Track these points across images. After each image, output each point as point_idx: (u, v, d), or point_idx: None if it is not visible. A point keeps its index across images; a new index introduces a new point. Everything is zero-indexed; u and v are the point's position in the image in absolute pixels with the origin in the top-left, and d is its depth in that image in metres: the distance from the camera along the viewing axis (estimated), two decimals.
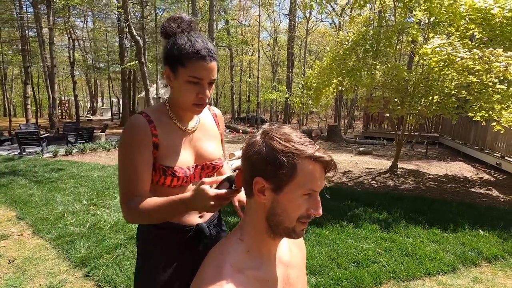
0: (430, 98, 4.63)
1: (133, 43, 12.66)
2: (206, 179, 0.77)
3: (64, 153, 7.81)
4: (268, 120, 27.62)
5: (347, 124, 21.96)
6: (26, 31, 15.31)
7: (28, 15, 14.88)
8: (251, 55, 30.81)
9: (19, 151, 7.82)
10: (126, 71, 18.89)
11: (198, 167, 0.98)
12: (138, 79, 22.24)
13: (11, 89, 23.58)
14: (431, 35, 5.12)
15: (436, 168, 6.95)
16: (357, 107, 21.96)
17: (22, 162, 6.56)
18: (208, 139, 1.03)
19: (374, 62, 5.01)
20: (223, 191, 0.75)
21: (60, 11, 13.87)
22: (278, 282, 0.67)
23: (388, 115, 5.11)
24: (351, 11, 13.21)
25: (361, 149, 9.22)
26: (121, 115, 20.08)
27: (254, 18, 26.68)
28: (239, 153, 6.87)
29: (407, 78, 4.48)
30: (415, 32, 5.05)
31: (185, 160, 0.95)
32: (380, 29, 4.94)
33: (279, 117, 30.69)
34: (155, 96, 13.31)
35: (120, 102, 21.50)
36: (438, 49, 3.94)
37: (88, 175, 5.42)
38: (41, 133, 9.42)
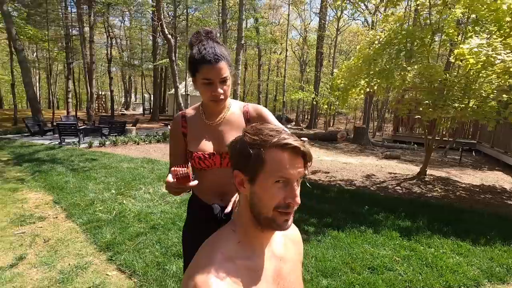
0: (466, 102, 4.35)
1: (165, 41, 13.14)
2: (172, 168, 0.97)
3: (98, 144, 8.33)
4: (294, 120, 27.38)
5: (376, 126, 21.18)
6: (70, 30, 16.45)
7: (72, 15, 15.98)
8: (280, 54, 30.64)
9: (59, 141, 8.47)
10: (158, 68, 19.69)
11: (216, 154, 1.14)
12: (169, 76, 23.08)
13: (55, 84, 25.52)
14: (469, 34, 4.81)
15: (470, 177, 6.52)
16: (388, 110, 21.06)
17: (61, 151, 7.10)
18: (232, 132, 1.16)
19: (407, 63, 4.80)
20: (171, 180, 0.97)
21: (100, 11, 14.72)
22: (269, 273, 0.69)
23: (418, 117, 4.87)
24: (385, 10, 12.71)
25: (388, 152, 8.88)
26: (151, 110, 20.94)
27: (284, 17, 26.52)
28: None
29: (444, 78, 4.23)
30: (451, 31, 4.77)
31: (204, 147, 1.15)
32: (414, 28, 4.71)
33: (306, 117, 30.25)
34: (184, 93, 13.73)
35: (152, 98, 22.43)
36: (475, 49, 3.70)
37: (118, 166, 5.76)
38: (79, 125, 10.12)
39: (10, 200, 3.89)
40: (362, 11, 17.91)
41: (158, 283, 2.22)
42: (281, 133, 0.65)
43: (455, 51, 4.04)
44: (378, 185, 5.32)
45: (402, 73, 4.40)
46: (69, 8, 16.46)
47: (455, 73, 4.72)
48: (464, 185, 5.71)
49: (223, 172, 1.14)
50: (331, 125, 28.66)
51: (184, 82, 16.84)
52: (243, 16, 12.44)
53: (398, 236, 3.10)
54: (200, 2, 18.09)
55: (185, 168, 0.96)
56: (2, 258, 2.54)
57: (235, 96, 12.86)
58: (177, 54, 13.37)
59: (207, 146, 1.15)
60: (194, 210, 1.24)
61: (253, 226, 0.68)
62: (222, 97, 1.09)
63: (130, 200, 3.96)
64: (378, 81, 4.64)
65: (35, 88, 15.37)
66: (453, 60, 4.73)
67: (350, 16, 20.50)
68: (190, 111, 1.22)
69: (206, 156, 1.13)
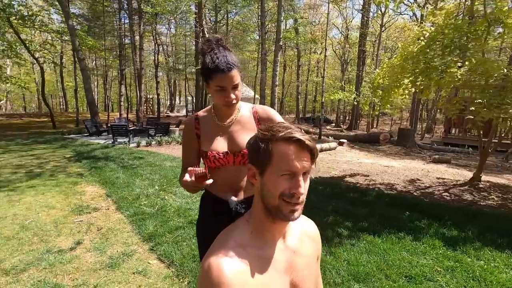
0: None
1: None
2: (190, 168, 1.06)
3: (145, 144, 9.00)
4: (334, 121, 26.59)
5: (425, 128, 19.66)
6: (123, 39, 18.01)
7: (125, 26, 17.46)
8: (320, 53, 30.02)
9: (112, 140, 9.33)
10: (199, 72, 20.57)
11: (230, 153, 1.22)
12: None
13: (110, 88, 28.07)
14: None
15: None
16: (440, 109, 19.44)
17: (114, 150, 7.82)
18: (243, 132, 1.24)
19: (455, 59, 4.42)
20: (188, 179, 1.04)
21: (149, 20, 15.86)
22: (281, 264, 0.74)
23: (469, 117, 4.45)
24: (435, 3, 11.77)
25: (436, 156, 8.21)
26: (194, 112, 21.96)
27: (324, 16, 25.92)
28: None
29: (504, 74, 3.82)
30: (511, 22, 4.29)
31: (218, 147, 1.23)
32: (464, 21, 4.33)
33: (347, 118, 29.15)
34: None
35: (194, 100, 23.52)
36: None
37: (161, 165, 6.18)
38: (129, 126, 11.03)
39: (71, 192, 4.41)
40: (410, 4, 16.81)
41: (193, 274, 2.36)
42: (289, 128, 0.69)
43: None
44: (422, 191, 4.97)
45: (449, 70, 4.06)
46: (122, 20, 18.04)
47: None
48: None
49: (236, 169, 1.23)
50: (375, 126, 27.26)
51: None
52: (282, 18, 12.49)
53: (442, 246, 2.89)
54: (240, 7, 18.53)
55: (202, 169, 1.06)
56: (64, 242, 2.92)
57: (273, 98, 12.94)
58: None
59: (221, 145, 1.23)
60: (207, 205, 1.32)
61: (264, 217, 0.73)
62: (234, 101, 1.18)
63: (171, 196, 4.24)
64: (423, 80, 4.33)
65: (93, 93, 17.08)
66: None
67: (396, 11, 19.32)
68: (202, 114, 1.30)
69: (221, 155, 1.21)
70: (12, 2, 11.98)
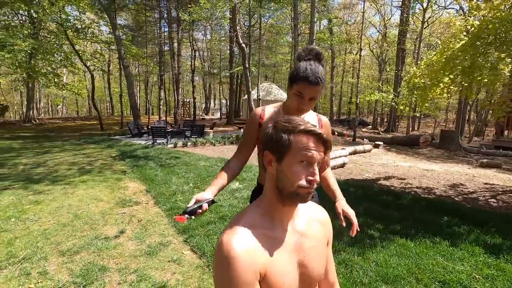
0: None
1: (240, 50, 14.07)
2: (197, 197, 1.15)
3: (182, 145, 9.48)
4: (371, 123, 25.56)
5: (474, 130, 18.10)
6: (163, 47, 19.12)
7: (165, 34, 18.54)
8: (356, 53, 29.13)
9: (152, 141, 9.97)
10: (233, 75, 21.10)
11: None
12: (244, 83, 24.50)
13: (151, 93, 29.89)
14: None
15: None
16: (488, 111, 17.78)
17: (153, 150, 8.37)
18: None
19: (503, 55, 4.09)
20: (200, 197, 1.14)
21: (186, 27, 16.67)
22: (289, 244, 0.81)
23: None
24: None
25: (484, 160, 7.56)
26: (227, 114, 22.54)
27: (360, 15, 25.13)
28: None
29: None
30: None
31: None
32: (509, 14, 3.99)
33: (385, 120, 27.81)
34: (256, 98, 14.40)
35: (228, 103, 24.15)
36: None
37: (196, 164, 6.49)
38: (167, 128, 11.69)
39: (116, 187, 4.84)
40: None
41: None
42: (308, 123, 0.79)
43: None
44: (465, 196, 4.64)
45: (493, 68, 3.77)
46: (162, 28, 19.18)
47: None
48: None
49: None
50: (416, 129, 25.70)
51: (256, 88, 17.62)
52: (315, 19, 12.37)
53: (483, 253, 2.71)
54: (273, 10, 18.70)
55: (206, 205, 1.13)
56: (110, 230, 3.24)
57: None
58: (250, 62, 14.14)
59: None
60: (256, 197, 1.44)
61: (276, 201, 0.81)
62: (305, 111, 1.32)
63: None
64: (463, 79, 4.07)
65: (136, 98, 18.39)
66: None
67: (440, 5, 18.11)
68: (270, 107, 1.42)
69: None
70: (69, 17, 13.41)
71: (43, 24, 15.65)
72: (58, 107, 35.48)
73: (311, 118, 1.39)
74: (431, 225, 3.32)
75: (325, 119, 1.44)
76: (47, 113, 35.34)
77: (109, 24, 14.78)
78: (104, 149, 8.82)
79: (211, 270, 2.45)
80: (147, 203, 4.11)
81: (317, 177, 0.77)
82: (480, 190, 5.00)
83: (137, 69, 28.69)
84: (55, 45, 15.08)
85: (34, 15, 12.99)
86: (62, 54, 15.00)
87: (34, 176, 5.38)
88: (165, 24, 18.67)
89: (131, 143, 9.87)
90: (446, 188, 5.07)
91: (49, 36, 16.02)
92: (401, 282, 2.28)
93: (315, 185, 0.78)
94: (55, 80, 14.97)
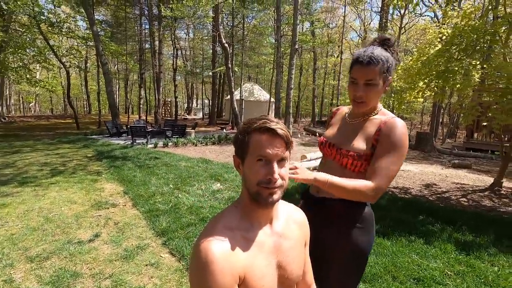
0: None
1: (223, 50, 13.97)
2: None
3: (162, 145, 9.28)
4: None
5: (447, 132, 18.97)
6: (143, 44, 18.66)
7: (145, 31, 18.10)
8: (337, 56, 29.73)
9: (131, 141, 9.68)
10: (216, 75, 20.94)
11: (334, 147, 1.22)
12: (227, 83, 24.37)
13: (130, 92, 29.07)
14: None
15: None
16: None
17: (132, 150, 8.12)
18: (357, 136, 1.18)
19: (474, 62, 4.30)
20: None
21: (168, 24, 16.34)
22: (267, 246, 0.80)
23: (484, 124, 4.31)
24: (458, 4, 11.42)
25: (456, 161, 7.94)
26: (209, 115, 22.32)
27: (341, 19, 25.71)
28: (311, 155, 6.88)
29: None
30: None
31: (329, 136, 1.28)
32: (482, 23, 4.21)
33: None
34: (239, 99, 14.36)
35: (210, 103, 23.92)
36: None
37: (177, 165, 6.36)
38: (147, 128, 11.40)
39: (92, 188, 4.65)
40: (431, 5, 16.38)
41: None
42: (264, 119, 0.76)
43: None
44: (438, 195, 4.85)
45: (466, 74, 3.96)
46: (143, 25, 18.71)
47: None
48: None
49: (334, 166, 1.20)
50: None
51: (239, 88, 17.57)
52: (298, 21, 12.52)
53: (454, 250, 2.83)
54: (256, 11, 18.75)
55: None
56: (84, 234, 3.10)
57: (288, 101, 12.94)
58: (233, 62, 14.07)
59: (332, 137, 1.25)
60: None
61: (250, 202, 0.79)
62: (362, 100, 1.12)
63: (185, 194, 4.37)
64: (437, 82, 4.25)
65: (115, 96, 17.78)
66: None
67: (416, 13, 18.88)
68: (345, 108, 1.35)
69: (327, 144, 1.24)
70: (42, 10, 12.76)
71: (14, 16, 14.82)
72: (31, 104, 33.71)
73: (377, 120, 1.16)
74: (407, 224, 3.43)
75: (390, 125, 1.11)
76: (18, 110, 33.48)
77: (86, 19, 14.22)
78: (79, 149, 8.46)
79: None
80: (125, 205, 3.97)
81: (275, 175, 0.73)
82: (452, 190, 5.23)
83: (116, 67, 27.81)
84: (27, 39, 14.31)
85: (4, 6, 12.25)
86: (35, 49, 14.24)
87: (1, 178, 5.07)
88: (145, 21, 18.24)
89: (109, 143, 9.53)
90: (421, 188, 5.27)
91: (20, 29, 15.19)
92: (378, 280, 2.34)
93: (278, 183, 0.75)
94: (27, 76, 14.21)
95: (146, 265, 2.54)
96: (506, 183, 5.46)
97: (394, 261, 2.60)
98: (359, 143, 1.15)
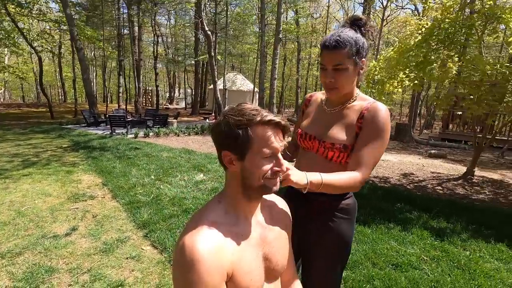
0: None
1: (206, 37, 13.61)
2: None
3: (143, 135, 9.02)
4: None
5: (424, 123, 19.69)
6: (122, 30, 17.84)
7: (124, 16, 17.29)
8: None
9: (110, 131, 9.34)
10: (199, 63, 20.45)
11: (316, 139, 1.14)
12: (210, 72, 23.86)
13: (109, 79, 27.93)
14: None
15: None
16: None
17: (111, 141, 7.84)
18: (338, 126, 1.11)
19: (451, 54, 4.42)
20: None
21: (147, 8, 15.62)
22: (253, 239, 0.78)
23: (459, 113, 4.48)
24: None
25: (432, 151, 8.27)
26: (192, 104, 21.88)
27: (325, 9, 25.67)
28: None
29: (489, 72, 3.85)
30: (508, 16, 4.28)
31: (308, 128, 1.19)
32: (458, 15, 4.32)
33: None
34: (222, 88, 14.14)
35: (193, 93, 23.43)
36: None
37: (158, 155, 6.21)
38: (127, 117, 11.03)
39: (68, 180, 4.45)
40: None
41: None
42: (262, 111, 0.72)
43: (509, 40, 3.66)
44: (416, 184, 5.03)
45: (442, 65, 4.07)
46: (121, 10, 17.84)
47: (508, 64, 4.23)
48: None
49: (317, 159, 1.14)
50: None
51: (222, 77, 17.30)
52: (282, 10, 12.37)
53: (430, 236, 2.95)
54: None
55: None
56: (59, 228, 2.97)
57: (271, 91, 12.90)
58: (216, 50, 13.77)
59: (312, 128, 1.18)
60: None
61: (241, 197, 0.76)
62: (333, 86, 1.05)
63: (167, 185, 4.29)
64: (415, 73, 4.35)
65: (92, 84, 16.99)
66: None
67: (398, 6, 19.17)
68: (319, 94, 1.26)
69: (307, 137, 1.17)
70: None
71: None
72: None
73: (357, 106, 1.10)
74: (386, 212, 3.54)
75: (374, 110, 1.06)
76: None
77: (58, 1, 13.36)
78: (54, 139, 8.07)
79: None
80: (104, 197, 3.84)
81: (284, 167, 0.74)
82: (428, 179, 5.45)
83: (93, 53, 26.47)
84: None
85: None
86: (1, 31, 13.27)
87: None
88: (124, 5, 17.39)
89: (86, 133, 9.16)
90: (400, 177, 5.45)
91: None
92: (359, 267, 2.40)
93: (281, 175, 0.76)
94: None
95: (127, 258, 2.47)
96: (477, 172, 5.74)
97: (374, 248, 2.68)
98: (343, 134, 1.09)
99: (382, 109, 1.06)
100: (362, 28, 1.06)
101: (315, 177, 0.93)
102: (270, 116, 0.71)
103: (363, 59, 1.06)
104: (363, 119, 1.07)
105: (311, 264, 1.18)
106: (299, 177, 0.88)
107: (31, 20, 16.24)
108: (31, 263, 2.33)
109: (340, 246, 1.16)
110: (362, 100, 1.12)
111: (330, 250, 1.15)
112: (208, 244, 0.67)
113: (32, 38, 14.58)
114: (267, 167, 0.72)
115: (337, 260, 1.18)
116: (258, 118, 0.70)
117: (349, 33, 1.01)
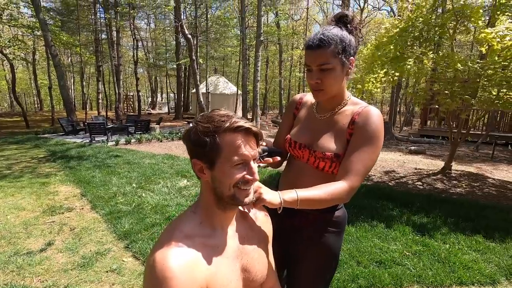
0: (490, 90, 4.09)
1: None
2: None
3: (124, 142, 8.78)
4: None
5: (403, 120, 20.29)
6: (99, 35, 17.38)
7: (101, 20, 16.85)
8: (302, 49, 30.05)
9: (89, 139, 9.04)
10: (181, 67, 20.21)
11: (306, 148, 1.07)
12: (192, 75, 23.60)
13: (88, 86, 27.11)
14: (503, 18, 4.49)
15: (503, 173, 6.11)
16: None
17: (90, 149, 7.59)
18: (329, 133, 1.05)
19: (424, 50, 4.58)
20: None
21: (124, 11, 15.29)
22: (230, 250, 0.75)
23: (436, 107, 4.64)
24: None
25: (412, 148, 8.51)
26: (175, 109, 21.58)
27: (305, 11, 26.06)
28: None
29: (461, 68, 4.01)
30: (477, 16, 4.48)
31: (298, 136, 1.12)
32: (431, 14, 4.48)
33: None
34: (205, 92, 14.01)
35: (176, 97, 23.12)
36: (501, 33, 3.49)
37: (140, 162, 6.06)
38: (108, 124, 10.72)
39: (43, 192, 4.26)
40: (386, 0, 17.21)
41: None
42: (232, 117, 0.68)
43: (479, 36, 3.81)
44: (397, 181, 5.15)
45: (416, 61, 4.21)
46: (98, 14, 17.38)
47: (480, 61, 4.43)
48: (494, 181, 5.36)
49: (307, 169, 1.08)
50: None
51: (205, 81, 17.17)
52: (262, 13, 12.44)
53: (411, 232, 3.02)
54: (220, 1, 18.31)
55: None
56: (34, 243, 2.82)
57: (255, 93, 12.90)
58: (198, 54, 13.66)
59: (302, 136, 1.10)
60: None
61: (215, 207, 0.73)
62: (319, 88, 0.98)
63: (149, 193, 4.18)
64: (391, 69, 4.48)
65: (70, 91, 16.44)
66: (483, 49, 4.44)
67: (375, 7, 19.74)
68: (310, 96, 1.17)
69: (297, 145, 1.09)
70: None
71: None
72: None
73: (349, 111, 1.04)
74: (369, 210, 3.60)
75: (365, 115, 0.99)
76: None
77: (31, 5, 12.84)
78: (29, 149, 7.72)
79: None
80: (82, 209, 3.69)
81: (256, 175, 0.70)
82: (409, 175, 5.59)
83: (69, 59, 25.67)
84: None
85: None
86: None
87: None
88: (101, 9, 16.95)
89: (64, 142, 8.82)
90: (382, 175, 5.57)
91: None
92: (343, 266, 2.42)
93: (254, 184, 0.73)
94: None
95: (107, 271, 2.38)
96: (455, 166, 5.95)
97: (358, 246, 2.70)
98: (334, 143, 1.02)
99: (375, 114, 0.99)
100: (349, 25, 1.01)
101: (289, 195, 0.85)
102: (240, 122, 0.67)
103: (351, 57, 0.99)
104: (354, 125, 1.00)
105: (296, 276, 1.13)
106: (272, 196, 0.81)
107: (1, 26, 15.53)
108: (2, 283, 2.20)
109: (328, 259, 1.12)
110: (353, 105, 1.05)
111: (316, 262, 1.10)
112: (180, 260, 0.63)
113: (3, 45, 13.94)
114: (238, 176, 0.68)
115: (324, 273, 1.13)
116: (227, 125, 0.66)
117: (334, 31, 0.96)
